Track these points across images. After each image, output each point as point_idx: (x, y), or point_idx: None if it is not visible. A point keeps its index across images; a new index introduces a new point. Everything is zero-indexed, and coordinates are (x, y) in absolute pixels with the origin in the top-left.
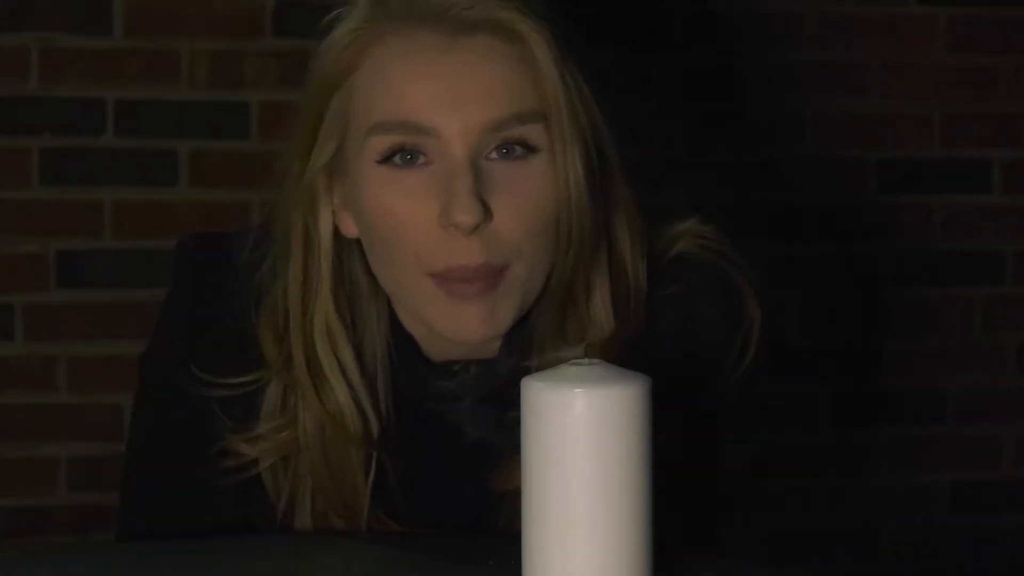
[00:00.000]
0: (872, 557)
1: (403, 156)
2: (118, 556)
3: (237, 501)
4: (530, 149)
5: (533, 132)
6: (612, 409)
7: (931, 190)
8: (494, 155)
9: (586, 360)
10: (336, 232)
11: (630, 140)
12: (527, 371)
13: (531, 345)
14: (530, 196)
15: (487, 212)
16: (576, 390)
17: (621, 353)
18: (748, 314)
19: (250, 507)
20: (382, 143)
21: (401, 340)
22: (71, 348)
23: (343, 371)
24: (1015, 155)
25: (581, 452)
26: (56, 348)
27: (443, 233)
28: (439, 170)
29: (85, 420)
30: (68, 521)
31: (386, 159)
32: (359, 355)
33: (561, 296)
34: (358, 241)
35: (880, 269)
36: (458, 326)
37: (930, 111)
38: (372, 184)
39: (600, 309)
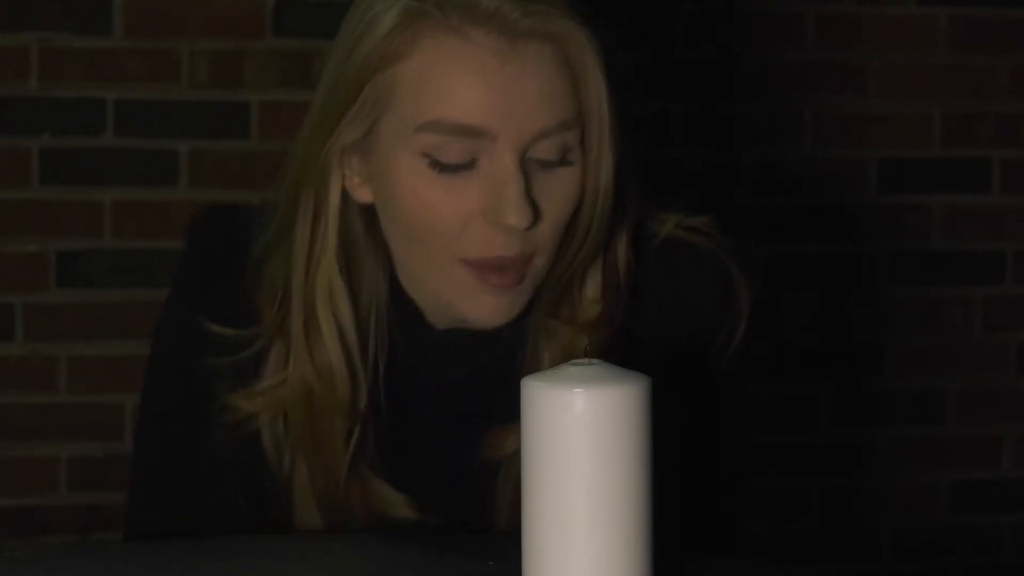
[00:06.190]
0: (872, 557)
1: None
2: (119, 556)
3: (241, 463)
4: (566, 159)
5: (571, 137)
6: (612, 409)
7: (931, 190)
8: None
9: (586, 360)
10: (343, 196)
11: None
12: (524, 344)
13: (528, 320)
14: (564, 199)
15: (536, 213)
16: (576, 390)
17: (607, 333)
18: (738, 292)
19: (255, 469)
20: (433, 141)
21: (402, 305)
22: (71, 348)
23: (341, 333)
24: (1015, 155)
25: (581, 452)
26: (56, 348)
27: (484, 225)
28: (487, 170)
29: (85, 420)
30: (68, 521)
31: (434, 158)
32: (357, 317)
33: (564, 283)
34: (363, 205)
35: (880, 269)
36: (481, 312)
37: (930, 111)
38: (414, 177)
39: (591, 292)
